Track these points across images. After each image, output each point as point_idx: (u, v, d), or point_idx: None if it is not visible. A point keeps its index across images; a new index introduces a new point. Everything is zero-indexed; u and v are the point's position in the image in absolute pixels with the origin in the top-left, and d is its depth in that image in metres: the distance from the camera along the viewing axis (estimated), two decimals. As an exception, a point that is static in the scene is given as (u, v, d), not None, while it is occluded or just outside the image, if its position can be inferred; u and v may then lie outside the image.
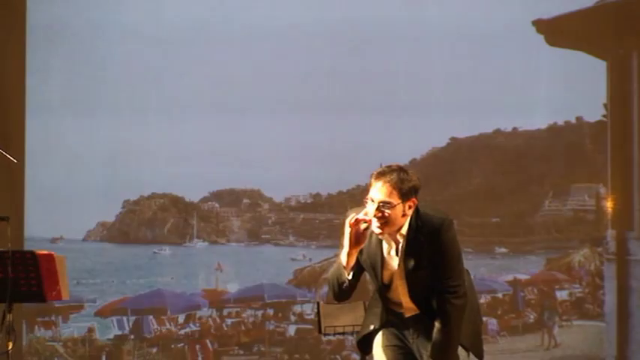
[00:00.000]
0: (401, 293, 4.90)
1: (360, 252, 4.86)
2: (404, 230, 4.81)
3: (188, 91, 9.58)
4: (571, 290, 10.06)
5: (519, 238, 10.06)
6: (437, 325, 4.83)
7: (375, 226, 4.76)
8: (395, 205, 4.71)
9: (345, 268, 4.81)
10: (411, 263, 4.81)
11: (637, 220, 9.85)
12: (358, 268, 4.90)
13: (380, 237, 4.85)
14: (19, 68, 9.28)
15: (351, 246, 4.78)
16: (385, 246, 4.88)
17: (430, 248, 4.79)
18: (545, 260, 10.11)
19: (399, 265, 4.85)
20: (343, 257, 4.80)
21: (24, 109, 9.32)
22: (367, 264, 4.88)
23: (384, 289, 4.92)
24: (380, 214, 4.70)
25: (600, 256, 9.97)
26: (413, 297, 4.88)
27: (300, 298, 9.91)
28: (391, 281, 4.91)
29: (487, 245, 9.98)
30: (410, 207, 4.77)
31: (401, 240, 4.83)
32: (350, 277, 4.83)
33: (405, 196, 4.72)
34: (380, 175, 4.73)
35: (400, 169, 4.77)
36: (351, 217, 4.75)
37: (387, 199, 4.70)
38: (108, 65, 9.54)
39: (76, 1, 9.56)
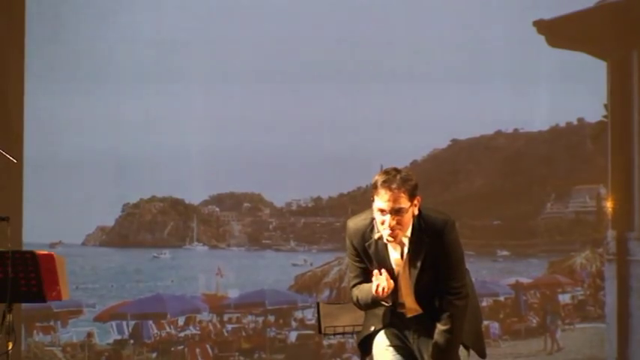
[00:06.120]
0: (404, 294, 4.89)
1: (369, 260, 4.88)
2: (408, 232, 4.82)
3: (188, 94, 9.57)
4: (573, 294, 10.04)
5: (521, 240, 10.03)
6: (439, 326, 4.83)
7: (387, 237, 4.77)
8: (407, 209, 4.73)
9: (379, 299, 4.83)
10: (417, 264, 4.82)
11: (637, 221, 9.84)
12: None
13: (386, 242, 4.84)
14: (19, 69, 9.28)
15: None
16: (391, 249, 4.87)
17: (433, 249, 4.80)
18: (547, 263, 10.08)
19: (404, 266, 4.84)
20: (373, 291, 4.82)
21: (22, 111, 9.31)
22: (376, 267, 4.86)
23: (391, 293, 4.89)
24: (395, 222, 4.71)
25: (601, 258, 9.95)
26: (417, 297, 4.86)
27: (302, 303, 9.88)
28: (396, 285, 4.88)
29: (489, 248, 9.95)
30: (416, 205, 4.79)
31: (406, 242, 4.84)
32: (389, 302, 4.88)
33: (411, 196, 4.75)
34: (384, 183, 4.73)
35: (398, 171, 4.79)
36: (376, 287, 4.75)
37: (399, 206, 4.73)
38: (107, 68, 9.53)
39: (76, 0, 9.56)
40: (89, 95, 9.50)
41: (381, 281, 4.73)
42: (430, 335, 4.85)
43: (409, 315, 4.93)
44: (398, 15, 9.62)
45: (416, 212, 4.79)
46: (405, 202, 4.71)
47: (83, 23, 9.51)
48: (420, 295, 4.87)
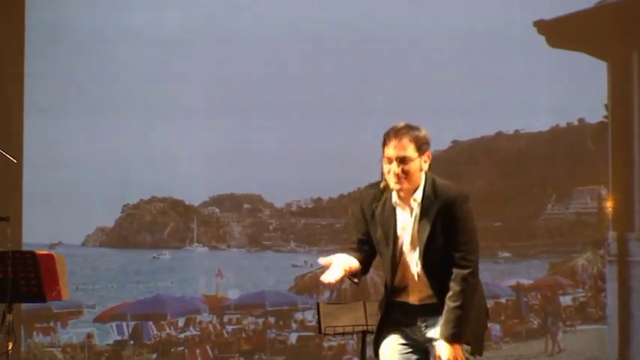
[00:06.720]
0: (409, 269, 4.82)
1: (374, 227, 4.80)
2: (418, 196, 4.76)
3: (189, 94, 9.57)
4: (574, 295, 10.02)
5: (522, 242, 10.03)
6: (448, 302, 4.69)
7: (393, 184, 4.71)
8: (413, 159, 4.70)
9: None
10: (426, 230, 4.74)
11: (638, 221, 9.81)
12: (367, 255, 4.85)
13: (394, 205, 4.79)
14: (18, 70, 9.29)
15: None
16: (399, 211, 4.81)
17: (444, 218, 4.72)
18: (548, 265, 10.07)
19: (412, 232, 4.79)
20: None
21: (22, 112, 9.31)
22: (381, 235, 4.79)
23: (393, 267, 4.81)
24: (400, 170, 4.69)
25: (602, 259, 9.93)
26: (425, 269, 4.79)
27: (302, 305, 9.86)
28: (400, 257, 4.82)
29: (490, 250, 9.92)
30: (425, 161, 4.76)
31: (415, 206, 4.79)
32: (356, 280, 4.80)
33: (420, 149, 4.72)
34: (393, 132, 4.72)
35: (409, 125, 4.78)
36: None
37: (405, 153, 4.69)
38: (107, 68, 9.54)
39: (76, 2, 9.55)
40: (89, 96, 9.50)
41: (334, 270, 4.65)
42: (437, 323, 4.70)
43: (412, 302, 4.80)
44: (399, 16, 9.62)
45: (425, 168, 4.74)
46: (411, 151, 4.68)
47: (83, 23, 9.52)
48: (429, 267, 4.75)
